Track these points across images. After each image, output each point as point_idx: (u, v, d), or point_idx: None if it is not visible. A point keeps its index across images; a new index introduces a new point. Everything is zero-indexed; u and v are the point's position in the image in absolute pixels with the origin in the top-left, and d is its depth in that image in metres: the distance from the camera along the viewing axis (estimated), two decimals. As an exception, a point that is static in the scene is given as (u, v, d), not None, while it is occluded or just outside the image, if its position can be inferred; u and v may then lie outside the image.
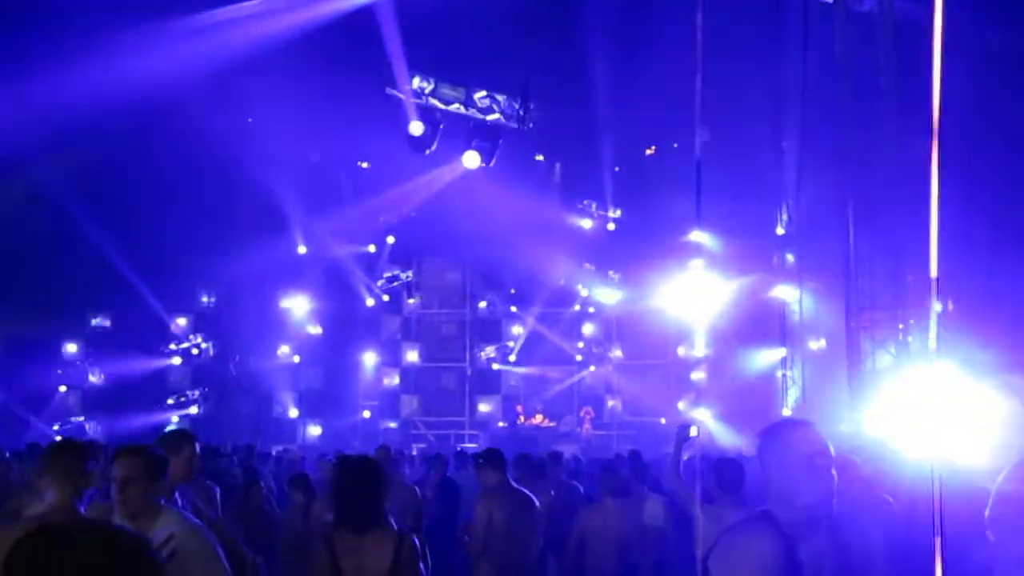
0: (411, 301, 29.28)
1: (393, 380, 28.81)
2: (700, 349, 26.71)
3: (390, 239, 27.74)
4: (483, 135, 14.68)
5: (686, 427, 7.14)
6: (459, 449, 17.62)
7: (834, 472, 2.93)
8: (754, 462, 3.31)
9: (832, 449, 2.98)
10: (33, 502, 5.00)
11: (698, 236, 26.89)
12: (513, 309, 28.66)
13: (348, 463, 4.84)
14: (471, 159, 14.68)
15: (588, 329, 28.74)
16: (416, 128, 14.59)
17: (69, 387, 25.56)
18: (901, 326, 11.54)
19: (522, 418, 26.95)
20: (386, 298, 28.25)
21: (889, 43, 11.79)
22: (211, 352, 26.89)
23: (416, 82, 14.14)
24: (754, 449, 3.13)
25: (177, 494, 4.84)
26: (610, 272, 27.79)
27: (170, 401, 25.63)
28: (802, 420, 3.16)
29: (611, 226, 27.40)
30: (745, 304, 25.69)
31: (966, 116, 18.73)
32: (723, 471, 6.42)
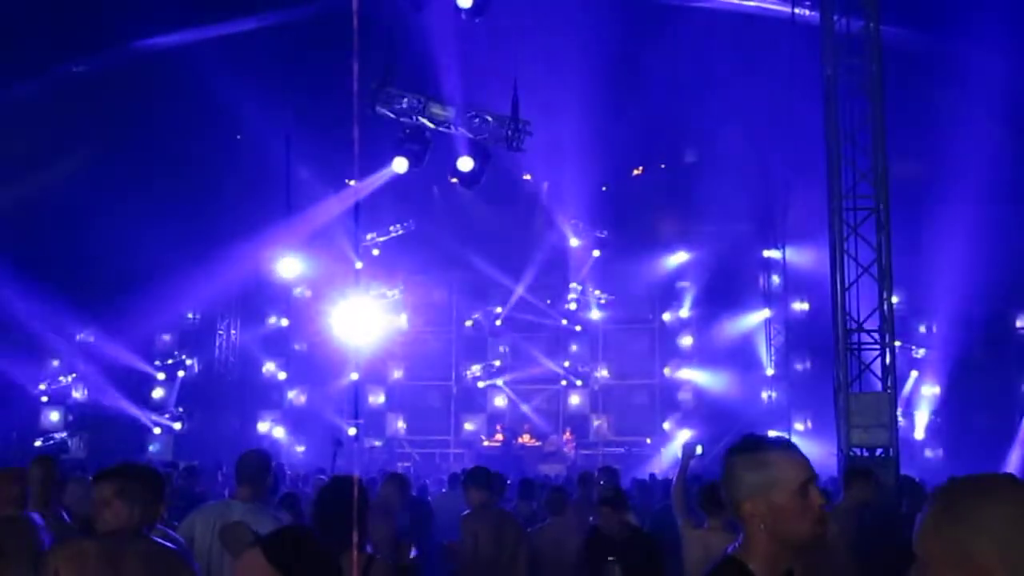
0: (398, 319, 29.21)
1: (378, 398, 28.73)
2: (686, 370, 26.77)
3: (376, 253, 27.70)
4: (473, 154, 14.69)
5: (692, 445, 7.13)
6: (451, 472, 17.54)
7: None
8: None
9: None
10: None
11: (684, 257, 27.10)
12: (498, 323, 28.65)
13: (329, 485, 4.80)
14: (465, 163, 14.69)
15: (574, 348, 28.74)
16: (400, 166, 14.62)
17: (52, 402, 25.39)
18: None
19: (499, 436, 26.88)
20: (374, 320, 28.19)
21: (875, 65, 11.86)
22: (195, 369, 26.77)
23: (406, 101, 14.14)
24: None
25: None
26: (596, 291, 27.83)
27: (154, 417, 25.48)
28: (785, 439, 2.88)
29: (596, 251, 27.48)
30: (731, 324, 25.79)
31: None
32: (709, 493, 6.38)
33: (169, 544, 4.25)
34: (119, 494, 4.12)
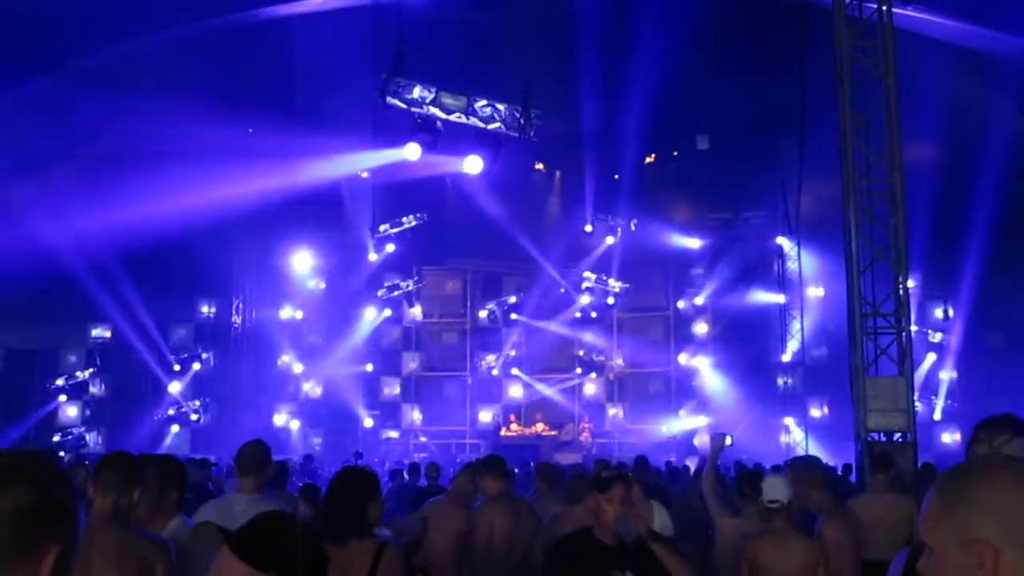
0: (413, 310, 29.23)
1: (394, 389, 28.74)
2: (701, 357, 26.71)
3: (390, 247, 27.67)
4: (484, 144, 14.62)
5: (721, 436, 7.08)
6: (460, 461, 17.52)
7: None
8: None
9: None
10: None
11: (698, 244, 27.02)
12: (514, 316, 28.62)
13: (340, 474, 4.78)
14: (472, 164, 14.64)
15: (589, 337, 28.69)
16: (412, 152, 14.57)
17: (70, 398, 25.43)
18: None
19: (516, 426, 26.86)
20: (387, 312, 28.22)
21: (889, 50, 11.78)
22: (211, 363, 26.82)
23: (417, 91, 14.07)
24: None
25: None
26: (610, 280, 27.79)
27: (171, 412, 25.55)
28: None
29: (610, 239, 27.42)
30: (746, 310, 25.73)
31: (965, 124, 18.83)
32: (744, 483, 6.40)
33: (150, 533, 4.20)
34: (93, 482, 4.11)
